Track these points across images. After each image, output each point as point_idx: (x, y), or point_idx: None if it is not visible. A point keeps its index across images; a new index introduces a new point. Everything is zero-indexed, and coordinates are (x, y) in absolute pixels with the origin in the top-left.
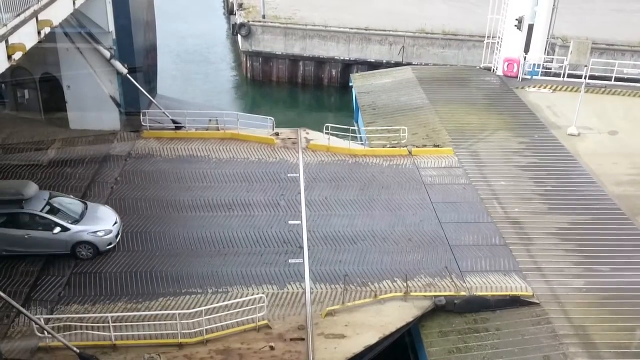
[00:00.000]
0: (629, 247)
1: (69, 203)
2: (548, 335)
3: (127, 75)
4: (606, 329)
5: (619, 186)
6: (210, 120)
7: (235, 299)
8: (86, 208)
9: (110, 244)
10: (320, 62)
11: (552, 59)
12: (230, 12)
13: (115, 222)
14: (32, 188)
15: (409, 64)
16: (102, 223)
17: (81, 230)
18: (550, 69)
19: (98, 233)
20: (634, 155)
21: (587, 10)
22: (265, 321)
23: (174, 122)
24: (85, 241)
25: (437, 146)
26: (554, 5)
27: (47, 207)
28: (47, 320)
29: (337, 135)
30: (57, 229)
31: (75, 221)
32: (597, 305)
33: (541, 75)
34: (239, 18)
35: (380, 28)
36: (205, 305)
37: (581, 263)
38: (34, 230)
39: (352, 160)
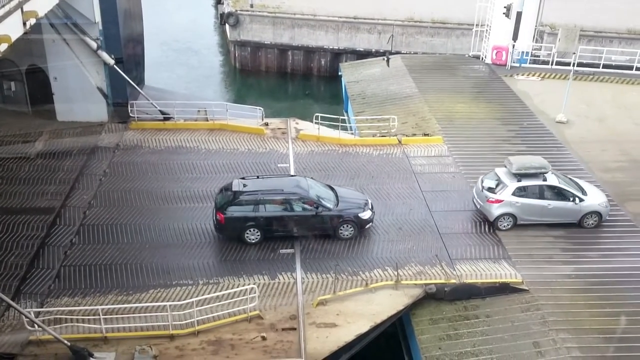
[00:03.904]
0: (617, 233)
1: (567, 180)
2: (537, 322)
3: (114, 66)
4: (595, 315)
5: (607, 173)
6: (198, 110)
7: (226, 289)
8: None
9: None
10: (309, 52)
11: (541, 46)
12: (218, 1)
13: None
14: (547, 162)
15: (398, 52)
16: (599, 196)
17: (592, 202)
18: (538, 56)
19: (603, 204)
20: (622, 142)
21: None
22: (257, 311)
23: (162, 113)
24: (593, 212)
25: (427, 135)
26: None
27: (557, 181)
28: (37, 314)
29: (326, 125)
30: (577, 200)
31: (585, 194)
32: (586, 292)
33: (530, 63)
34: (226, 7)
35: (369, 17)
36: (197, 297)
37: (570, 250)
38: (556, 201)
39: (342, 150)
